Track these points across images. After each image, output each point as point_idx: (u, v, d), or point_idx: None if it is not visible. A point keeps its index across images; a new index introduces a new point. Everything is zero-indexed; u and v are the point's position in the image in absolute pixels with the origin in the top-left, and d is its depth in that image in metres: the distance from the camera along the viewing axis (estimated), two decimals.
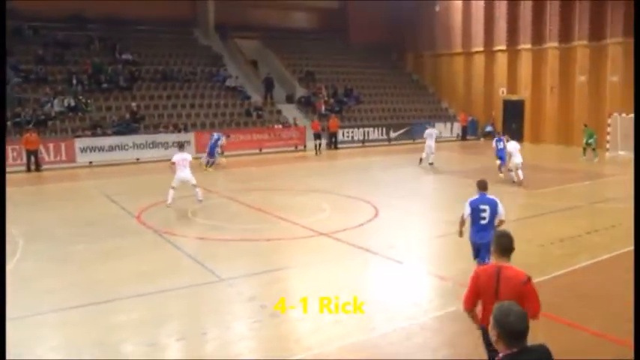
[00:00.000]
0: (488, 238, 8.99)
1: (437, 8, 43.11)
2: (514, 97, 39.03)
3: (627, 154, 30.51)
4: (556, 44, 36.14)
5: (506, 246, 5.78)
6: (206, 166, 25.17)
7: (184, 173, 17.17)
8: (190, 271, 11.41)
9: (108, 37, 34.62)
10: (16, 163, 24.78)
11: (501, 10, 38.91)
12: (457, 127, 40.08)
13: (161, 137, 29.01)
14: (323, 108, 36.21)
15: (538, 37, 37.11)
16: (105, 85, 31.37)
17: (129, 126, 29.11)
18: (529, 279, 5.64)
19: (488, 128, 39.41)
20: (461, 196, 19.64)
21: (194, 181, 17.42)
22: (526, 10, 37.56)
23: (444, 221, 16.02)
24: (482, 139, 39.22)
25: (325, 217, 16.17)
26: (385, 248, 12.95)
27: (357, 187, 20.67)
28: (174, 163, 17.32)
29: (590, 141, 29.46)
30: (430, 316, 9.31)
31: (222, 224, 15.42)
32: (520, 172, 21.62)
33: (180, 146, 19.37)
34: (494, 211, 10.01)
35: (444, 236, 14.54)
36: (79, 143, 27.01)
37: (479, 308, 5.93)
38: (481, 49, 40.45)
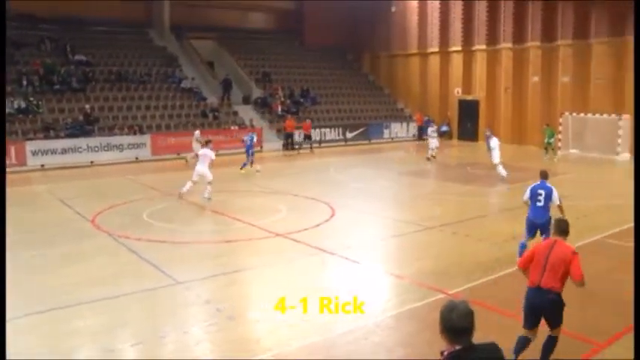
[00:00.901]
0: (543, 219, 11.44)
1: (393, 9, 43.50)
2: (469, 98, 39.61)
3: (578, 153, 31.30)
4: (510, 45, 36.83)
5: (563, 228, 7.47)
6: (251, 165, 24.96)
7: (203, 167, 18.17)
8: (146, 275, 11.30)
9: (60, 37, 33.95)
10: None
11: (456, 11, 39.49)
12: (413, 128, 40.45)
13: (116, 139, 28.61)
14: (279, 109, 36.21)
15: (492, 38, 37.78)
16: (57, 87, 30.78)
17: (82, 128, 28.60)
18: (575, 252, 7.22)
19: (444, 128, 39.87)
20: (416, 195, 20.15)
21: (210, 178, 18.14)
22: (481, 11, 38.20)
23: (400, 221, 16.28)
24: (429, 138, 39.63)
25: (282, 218, 16.21)
26: (342, 248, 13.05)
27: (314, 188, 20.75)
28: (197, 156, 18.59)
29: (550, 140, 30.20)
30: (387, 315, 9.41)
31: (178, 227, 15.34)
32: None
33: (206, 142, 19.90)
34: (548, 196, 11.45)
35: (399, 236, 14.75)
36: (31, 146, 26.43)
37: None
38: (436, 49, 40.95)
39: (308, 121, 34.10)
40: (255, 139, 26.58)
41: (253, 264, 12.18)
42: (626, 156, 30.50)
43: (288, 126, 33.53)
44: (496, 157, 22.88)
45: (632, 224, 15.75)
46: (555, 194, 11.49)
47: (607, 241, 14.19)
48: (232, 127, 32.88)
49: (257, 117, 35.20)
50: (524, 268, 7.51)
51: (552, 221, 8.80)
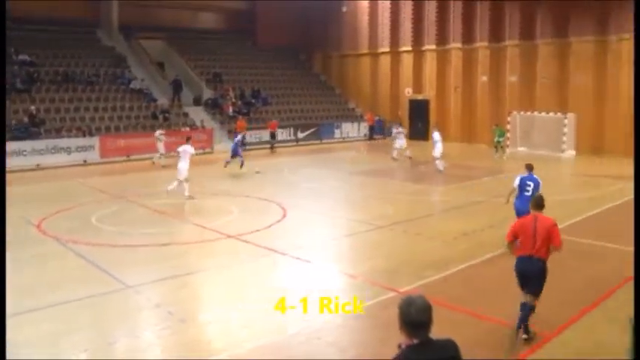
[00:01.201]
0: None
1: (344, 9, 43.70)
2: (419, 97, 40.04)
3: (526, 150, 31.92)
4: (459, 45, 37.43)
5: (541, 204, 8.64)
6: (240, 166, 24.91)
7: (181, 164, 18.57)
8: (95, 280, 11.08)
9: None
10: None
11: (406, 11, 39.91)
12: (364, 127, 40.68)
13: (64, 142, 27.99)
14: (231, 110, 36.00)
15: (442, 38, 38.33)
16: None
17: (27, 130, 27.89)
18: (555, 223, 8.41)
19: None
20: (367, 195, 20.26)
21: (184, 176, 18.47)
22: (430, 11, 38.71)
23: (351, 220, 16.36)
24: (389, 138, 39.97)
25: (233, 220, 16.13)
26: (293, 248, 13.06)
27: (265, 189, 20.71)
28: (178, 153, 18.97)
29: (500, 139, 30.81)
30: (340, 315, 9.42)
31: (128, 230, 15.08)
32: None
33: (187, 139, 20.17)
34: (536, 187, 12.27)
35: (351, 235, 14.82)
36: None
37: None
38: (387, 49, 41.32)
39: (274, 121, 34.06)
40: (244, 139, 26.40)
41: (205, 266, 12.10)
42: (572, 153, 31.29)
43: (240, 127, 33.33)
44: (437, 150, 24.10)
45: (579, 218, 16.20)
46: (541, 185, 12.45)
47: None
48: (183, 129, 32.53)
49: (208, 118, 34.93)
50: (511, 241, 8.58)
51: None
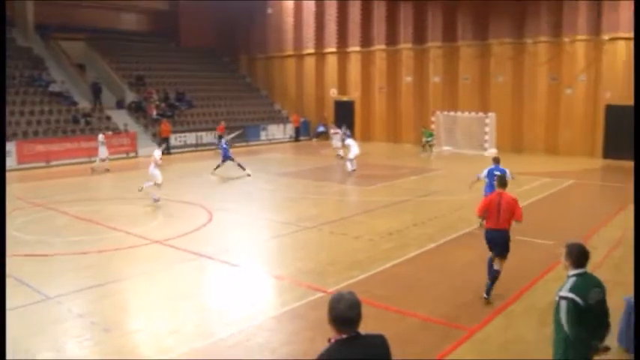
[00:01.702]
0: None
1: (269, 11, 43.61)
2: (345, 98, 40.38)
3: (451, 150, 32.66)
4: (383, 47, 37.96)
5: (504, 183, 10.23)
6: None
7: (150, 168, 18.92)
8: (14, 292, 10.56)
9: None
10: None
11: (331, 13, 40.16)
12: (290, 129, 40.73)
13: None
14: (154, 113, 35.36)
15: (366, 40, 38.77)
16: None
17: None
18: (516, 199, 10.07)
19: (321, 129, 40.48)
20: (294, 196, 20.27)
21: (160, 180, 18.80)
22: (354, 13, 39.09)
23: (278, 222, 16.33)
24: (314, 139, 40.18)
25: (158, 225, 15.89)
26: (220, 252, 12.95)
27: (191, 193, 20.43)
28: (104, 160, 19.62)
29: (428, 139, 31.63)
30: (269, 316, 9.44)
31: (48, 238, 14.56)
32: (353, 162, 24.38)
33: (159, 144, 20.31)
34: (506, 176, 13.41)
35: (278, 237, 14.80)
36: None
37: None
38: (312, 51, 41.48)
39: (167, 123, 33.56)
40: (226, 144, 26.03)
41: (129, 273, 11.82)
42: (493, 151, 32.11)
43: (164, 130, 32.85)
44: (353, 153, 24.74)
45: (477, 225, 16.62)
46: (509, 173, 14.03)
47: (476, 232, 14.79)
48: (106, 133, 31.73)
49: (131, 121, 34.20)
50: (481, 215, 10.38)
51: None
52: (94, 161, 26.49)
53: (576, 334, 5.32)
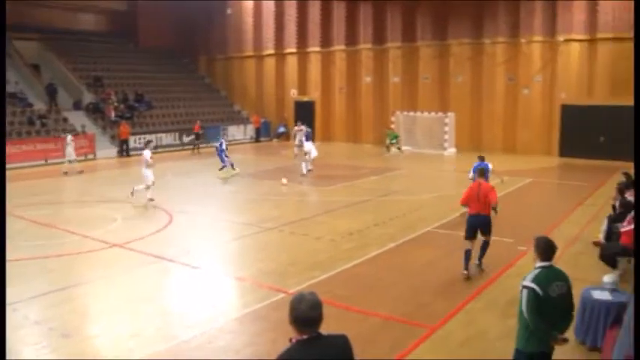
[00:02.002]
0: None
1: (228, 11, 43.35)
2: (305, 98, 40.38)
3: (411, 149, 32.92)
4: (343, 47, 38.07)
5: (482, 173, 11.87)
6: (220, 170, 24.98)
7: (142, 169, 19.21)
8: None
9: None
10: None
11: (291, 13, 40.11)
12: (250, 130, 40.58)
13: None
14: (113, 114, 34.87)
15: (326, 40, 38.83)
16: None
17: None
18: (493, 187, 11.54)
19: (281, 129, 40.47)
20: (255, 197, 20.20)
21: (151, 180, 18.89)
22: (314, 14, 39.12)
23: (239, 223, 16.27)
24: (275, 140, 40.11)
25: (118, 228, 15.63)
26: (181, 254, 12.84)
27: (151, 195, 20.17)
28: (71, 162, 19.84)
29: (393, 141, 32.01)
30: (231, 318, 9.39)
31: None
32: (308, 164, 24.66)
33: (146, 143, 20.91)
34: (488, 171, 15.40)
35: (239, 238, 14.74)
36: None
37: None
38: (272, 51, 41.39)
39: (125, 125, 33.22)
40: (224, 144, 25.93)
41: (89, 277, 11.61)
42: (452, 151, 32.54)
43: (123, 132, 32.44)
44: (313, 154, 24.98)
45: (458, 214, 16.82)
46: (490, 168, 16.10)
47: (437, 231, 15.03)
48: (63, 135, 31.19)
49: (89, 123, 33.64)
50: (464, 203, 11.67)
51: None
52: (63, 162, 26.17)
53: (536, 324, 5.60)
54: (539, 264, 5.80)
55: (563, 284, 5.73)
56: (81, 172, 25.79)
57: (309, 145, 25.26)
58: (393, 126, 34.17)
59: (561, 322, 5.77)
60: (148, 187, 18.77)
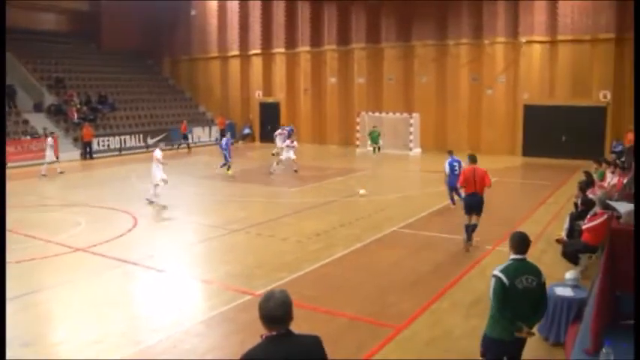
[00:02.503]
0: (456, 182, 15.92)
1: (193, 12, 43.03)
2: (270, 100, 40.31)
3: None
4: (308, 48, 38.07)
5: (474, 159, 13.18)
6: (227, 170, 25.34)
7: (155, 169, 19.07)
8: None
9: None
10: None
11: (255, 15, 40.01)
12: (215, 131, 40.31)
13: None
14: (76, 116, 34.37)
15: (291, 41, 38.82)
16: None
17: None
18: (486, 171, 13.07)
19: (246, 131, 40.35)
20: (221, 199, 20.09)
21: (156, 180, 18.93)
22: (279, 15, 39.09)
23: (205, 225, 16.18)
24: (240, 141, 39.94)
25: (81, 232, 15.38)
26: (145, 258, 12.72)
27: (114, 198, 19.93)
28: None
29: (379, 142, 32.09)
30: (197, 321, 9.32)
31: None
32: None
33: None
34: (460, 166, 16.63)
35: (205, 240, 14.65)
36: None
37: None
38: (237, 53, 41.21)
39: (88, 127, 32.72)
40: (230, 142, 26.24)
41: (50, 283, 11.40)
42: (418, 151, 32.77)
43: (86, 134, 31.98)
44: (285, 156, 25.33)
45: (424, 214, 16.95)
46: (463, 163, 16.06)
47: (403, 231, 15.11)
48: (23, 138, 30.66)
49: (51, 125, 33.07)
50: (462, 185, 13.41)
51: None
52: (43, 164, 25.92)
53: (499, 311, 5.86)
54: (511, 256, 6.02)
55: (533, 279, 5.90)
56: (62, 172, 25.77)
57: (279, 144, 25.37)
58: (358, 127, 34.30)
59: (533, 316, 5.98)
60: (156, 185, 18.77)
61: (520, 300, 5.83)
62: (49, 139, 26.50)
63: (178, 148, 35.25)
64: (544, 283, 6.01)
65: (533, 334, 6.03)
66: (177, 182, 23.29)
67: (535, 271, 5.98)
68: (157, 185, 18.77)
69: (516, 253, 6.02)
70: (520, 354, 6.08)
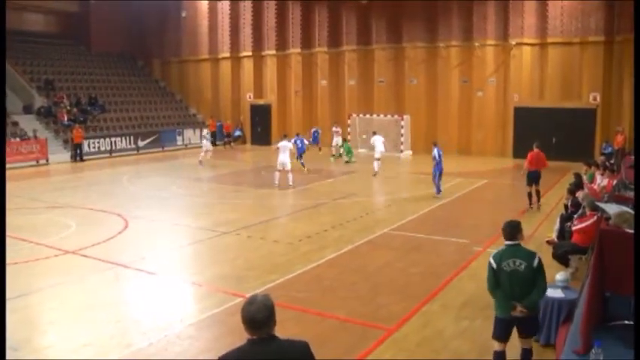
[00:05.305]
0: (441, 168, 19.50)
1: (183, 14, 42.94)
2: (261, 102, 40.27)
3: (367, 152, 33.03)
4: (299, 50, 38.09)
5: (539, 147, 17.75)
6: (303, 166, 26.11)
7: (282, 157, 21.80)
8: None
9: None
10: None
11: (246, 17, 39.98)
12: (206, 133, 40.17)
13: None
14: (66, 118, 34.24)
15: (282, 43, 38.82)
16: None
17: None
18: (544, 154, 17.71)
19: (237, 132, 40.27)
20: (211, 201, 20.08)
21: (289, 167, 21.94)
22: (270, 17, 39.09)
23: (195, 227, 16.15)
24: (232, 143, 39.88)
25: (71, 234, 15.31)
26: (136, 260, 12.67)
27: (105, 200, 19.86)
28: (278, 149, 22.16)
29: (349, 155, 31.76)
30: (188, 324, 9.29)
31: None
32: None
33: (284, 136, 24.20)
34: (441, 156, 19.50)
35: (195, 243, 14.62)
36: None
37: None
38: (227, 55, 41.14)
39: (79, 129, 32.22)
40: (304, 142, 27.31)
41: (40, 286, 11.31)
42: (409, 153, 32.85)
43: (76, 136, 31.85)
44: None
45: (415, 216, 16.97)
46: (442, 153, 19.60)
47: (394, 233, 15.13)
48: (13, 140, 30.47)
49: (41, 127, 32.94)
50: (530, 163, 17.36)
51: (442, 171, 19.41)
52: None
53: (494, 293, 6.70)
54: (505, 243, 6.75)
55: (521, 262, 6.56)
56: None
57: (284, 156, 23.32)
58: (349, 129, 34.34)
59: (526, 295, 6.54)
60: (207, 152, 22.09)
61: (508, 281, 6.55)
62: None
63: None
64: (538, 267, 6.59)
65: (525, 311, 6.54)
66: (168, 185, 23.30)
67: (525, 256, 6.63)
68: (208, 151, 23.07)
69: (507, 239, 6.73)
70: (530, 330, 6.81)
